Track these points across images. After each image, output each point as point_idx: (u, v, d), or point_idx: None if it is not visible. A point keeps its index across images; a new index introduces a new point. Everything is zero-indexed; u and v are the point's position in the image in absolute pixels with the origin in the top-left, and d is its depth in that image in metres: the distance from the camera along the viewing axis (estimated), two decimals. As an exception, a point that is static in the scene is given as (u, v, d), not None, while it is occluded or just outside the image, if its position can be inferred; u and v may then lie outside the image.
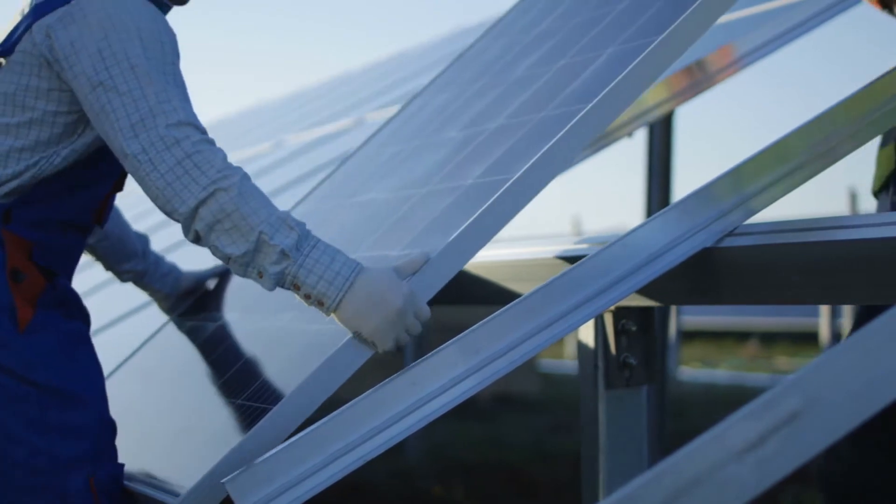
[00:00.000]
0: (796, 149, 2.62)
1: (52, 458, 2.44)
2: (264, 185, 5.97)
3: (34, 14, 2.47)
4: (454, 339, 2.41)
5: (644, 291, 2.53)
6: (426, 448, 7.33)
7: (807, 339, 13.97)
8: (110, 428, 2.54)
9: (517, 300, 2.45)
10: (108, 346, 3.44)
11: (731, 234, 2.57)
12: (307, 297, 2.33)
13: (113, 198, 2.68)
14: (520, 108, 2.97)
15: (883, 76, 2.71)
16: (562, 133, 2.58)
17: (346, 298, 2.32)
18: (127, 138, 2.33)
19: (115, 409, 2.63)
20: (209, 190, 2.28)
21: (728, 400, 9.84)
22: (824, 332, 10.41)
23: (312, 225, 3.27)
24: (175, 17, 2.67)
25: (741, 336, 15.45)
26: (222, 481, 2.29)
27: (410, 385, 2.37)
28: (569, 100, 2.76)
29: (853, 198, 11.02)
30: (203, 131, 2.37)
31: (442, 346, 2.39)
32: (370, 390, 2.35)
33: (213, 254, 2.34)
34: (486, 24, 8.77)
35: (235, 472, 2.28)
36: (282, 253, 2.29)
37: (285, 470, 2.29)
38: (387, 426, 2.36)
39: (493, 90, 3.27)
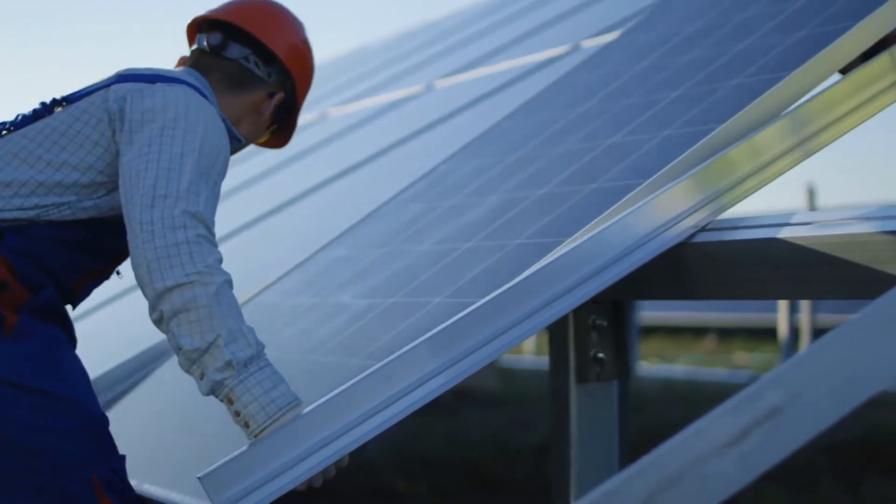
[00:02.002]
0: (769, 144, 2.64)
1: (50, 460, 2.44)
2: (226, 182, 5.97)
3: (117, 79, 2.61)
4: (427, 335, 2.41)
5: (616, 287, 2.54)
6: (387, 443, 7.32)
7: (764, 335, 14.04)
8: (104, 423, 2.54)
9: (490, 296, 2.45)
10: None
11: (703, 229, 2.59)
12: (237, 414, 2.33)
13: (92, 283, 2.71)
14: (569, 179, 2.98)
15: (855, 72, 2.74)
16: (624, 199, 2.63)
17: (271, 428, 2.32)
18: (144, 206, 2.38)
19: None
20: (191, 278, 2.31)
21: (687, 395, 9.88)
22: (782, 327, 10.46)
23: (345, 270, 3.27)
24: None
25: (698, 331, 15.51)
26: (197, 476, 2.29)
27: (385, 380, 2.36)
28: (623, 174, 2.79)
29: (811, 194, 11.08)
30: (212, 234, 2.41)
31: (415, 342, 2.39)
32: (344, 385, 2.35)
33: (168, 339, 2.36)
34: (451, 18, 8.79)
35: (211, 468, 2.27)
36: (228, 363, 2.30)
37: (261, 465, 2.29)
38: (362, 421, 2.36)
39: (537, 161, 3.29)
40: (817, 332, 12.01)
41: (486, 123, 4.21)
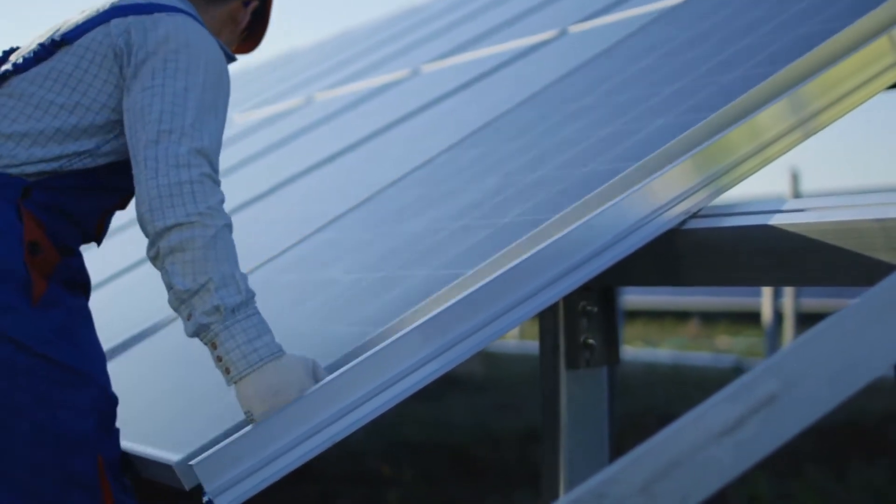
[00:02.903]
0: (769, 125, 2.64)
1: (58, 435, 2.43)
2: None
3: (113, 12, 2.57)
4: (420, 321, 2.41)
5: (607, 273, 2.54)
6: (371, 428, 7.33)
7: (747, 319, 14.08)
8: (114, 404, 2.55)
9: (483, 282, 2.45)
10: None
11: (694, 216, 2.59)
12: (218, 359, 2.35)
13: (108, 219, 2.71)
14: (564, 163, 3.00)
15: (857, 50, 2.74)
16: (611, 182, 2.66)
17: (250, 377, 2.33)
18: (150, 142, 2.39)
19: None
20: (191, 219, 2.32)
21: (671, 379, 9.90)
22: (766, 312, 10.48)
23: (335, 248, 3.28)
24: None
25: (681, 315, 15.54)
26: (190, 463, 2.29)
27: (378, 366, 2.37)
28: (617, 158, 2.82)
29: (794, 178, 11.09)
30: (216, 171, 2.42)
31: (408, 329, 2.40)
32: (338, 371, 2.36)
33: (161, 276, 2.38)
34: (436, 2, 8.77)
35: (203, 455, 2.27)
36: (216, 308, 2.32)
37: (254, 451, 2.30)
38: (354, 408, 2.36)
39: (533, 149, 3.31)
40: (801, 317, 12.05)
41: (473, 109, 4.21)
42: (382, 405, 2.38)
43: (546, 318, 2.96)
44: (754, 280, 2.53)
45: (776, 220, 2.41)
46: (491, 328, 2.45)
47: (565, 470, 2.93)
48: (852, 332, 1.66)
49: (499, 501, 5.94)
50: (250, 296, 2.36)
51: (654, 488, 1.58)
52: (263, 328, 2.35)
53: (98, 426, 2.49)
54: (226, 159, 5.78)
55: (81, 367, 2.49)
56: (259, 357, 2.32)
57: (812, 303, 11.79)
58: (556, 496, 2.94)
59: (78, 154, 2.53)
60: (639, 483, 1.58)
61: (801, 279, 2.44)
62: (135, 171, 2.40)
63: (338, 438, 2.35)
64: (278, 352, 2.35)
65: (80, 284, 2.58)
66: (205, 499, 2.29)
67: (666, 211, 2.56)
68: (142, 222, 2.36)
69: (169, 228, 2.32)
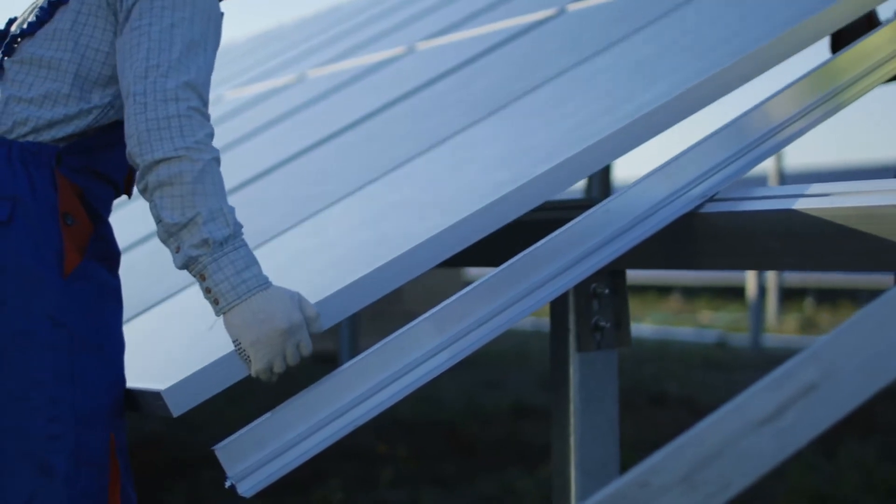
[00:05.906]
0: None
1: (73, 409, 2.43)
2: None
3: None
4: (435, 308, 2.42)
5: (620, 256, 2.55)
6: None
7: (729, 293, 14.14)
8: (124, 387, 2.55)
9: (500, 267, 2.45)
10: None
11: (711, 199, 2.59)
12: (207, 291, 2.37)
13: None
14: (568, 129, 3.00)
15: (863, 40, 2.75)
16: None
17: (238, 307, 2.35)
18: (137, 77, 2.39)
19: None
20: (179, 153, 2.33)
21: (656, 354, 9.94)
22: (751, 287, 10.52)
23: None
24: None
25: (663, 290, 15.61)
26: (212, 448, 2.29)
27: (396, 352, 2.38)
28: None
29: (778, 155, 11.13)
30: (205, 103, 2.42)
31: (424, 316, 2.41)
32: (357, 357, 2.37)
33: (150, 209, 2.39)
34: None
35: (226, 440, 2.28)
36: (205, 241, 2.33)
37: (275, 436, 2.31)
38: (373, 393, 2.38)
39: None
40: (784, 292, 12.10)
41: (471, 88, 4.20)
42: (401, 390, 2.40)
43: (557, 301, 2.96)
44: (774, 264, 2.53)
45: (798, 205, 2.41)
46: (508, 313, 2.47)
47: (576, 453, 2.93)
48: (889, 321, 1.67)
49: (491, 478, 5.97)
50: (238, 228, 2.37)
51: (696, 477, 1.60)
52: (251, 259, 2.37)
53: (111, 405, 2.50)
54: (218, 137, 5.76)
55: (102, 344, 2.49)
56: (247, 288, 2.34)
57: (796, 278, 11.85)
58: (567, 479, 2.95)
59: (100, 108, 2.53)
60: (681, 472, 1.59)
61: (824, 264, 2.44)
62: (125, 108, 2.41)
63: (358, 423, 2.36)
64: (266, 283, 2.37)
65: (113, 257, 2.58)
66: (227, 484, 2.30)
67: (682, 195, 2.57)
68: (131, 156, 2.37)
69: (157, 162, 2.33)
